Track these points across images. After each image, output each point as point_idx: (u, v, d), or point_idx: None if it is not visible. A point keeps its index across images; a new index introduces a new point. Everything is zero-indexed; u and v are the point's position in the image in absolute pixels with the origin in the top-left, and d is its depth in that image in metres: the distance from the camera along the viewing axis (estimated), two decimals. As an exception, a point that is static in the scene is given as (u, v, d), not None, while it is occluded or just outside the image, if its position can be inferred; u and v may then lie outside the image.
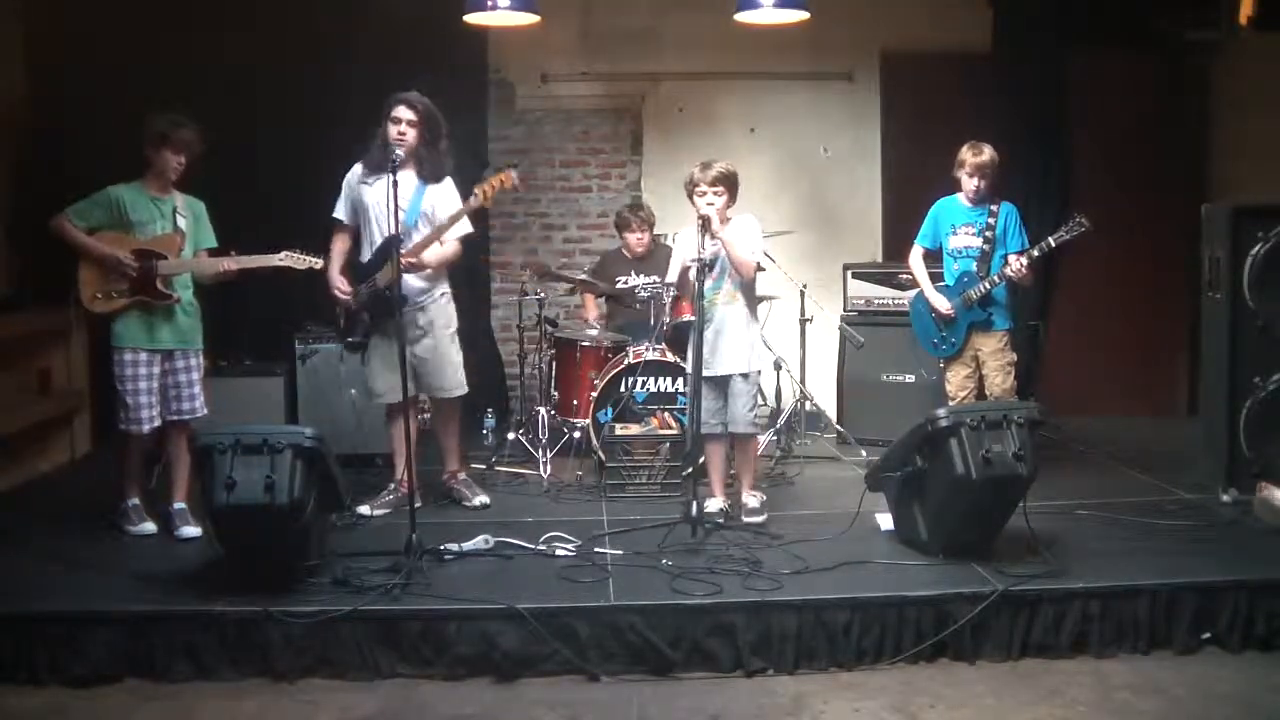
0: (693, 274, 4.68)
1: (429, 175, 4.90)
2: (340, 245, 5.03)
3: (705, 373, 4.79)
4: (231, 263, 4.69)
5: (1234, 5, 5.61)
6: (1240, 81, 6.86)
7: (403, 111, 4.81)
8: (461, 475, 5.22)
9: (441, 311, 5.01)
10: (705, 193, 4.70)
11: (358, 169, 4.97)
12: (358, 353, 5.08)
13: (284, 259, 4.69)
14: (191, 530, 4.65)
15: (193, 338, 4.79)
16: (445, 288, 5.06)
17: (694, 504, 4.48)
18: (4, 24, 6.18)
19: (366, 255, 4.97)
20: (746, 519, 4.83)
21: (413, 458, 4.65)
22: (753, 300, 4.91)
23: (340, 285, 4.96)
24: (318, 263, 4.76)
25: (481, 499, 5.12)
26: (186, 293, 4.75)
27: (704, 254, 4.64)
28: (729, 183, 4.74)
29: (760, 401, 5.20)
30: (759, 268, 4.86)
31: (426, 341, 4.96)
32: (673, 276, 5.09)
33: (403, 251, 4.65)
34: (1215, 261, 5.13)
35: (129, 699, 3.69)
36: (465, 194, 4.92)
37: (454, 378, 5.05)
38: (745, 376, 4.82)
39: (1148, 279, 7.16)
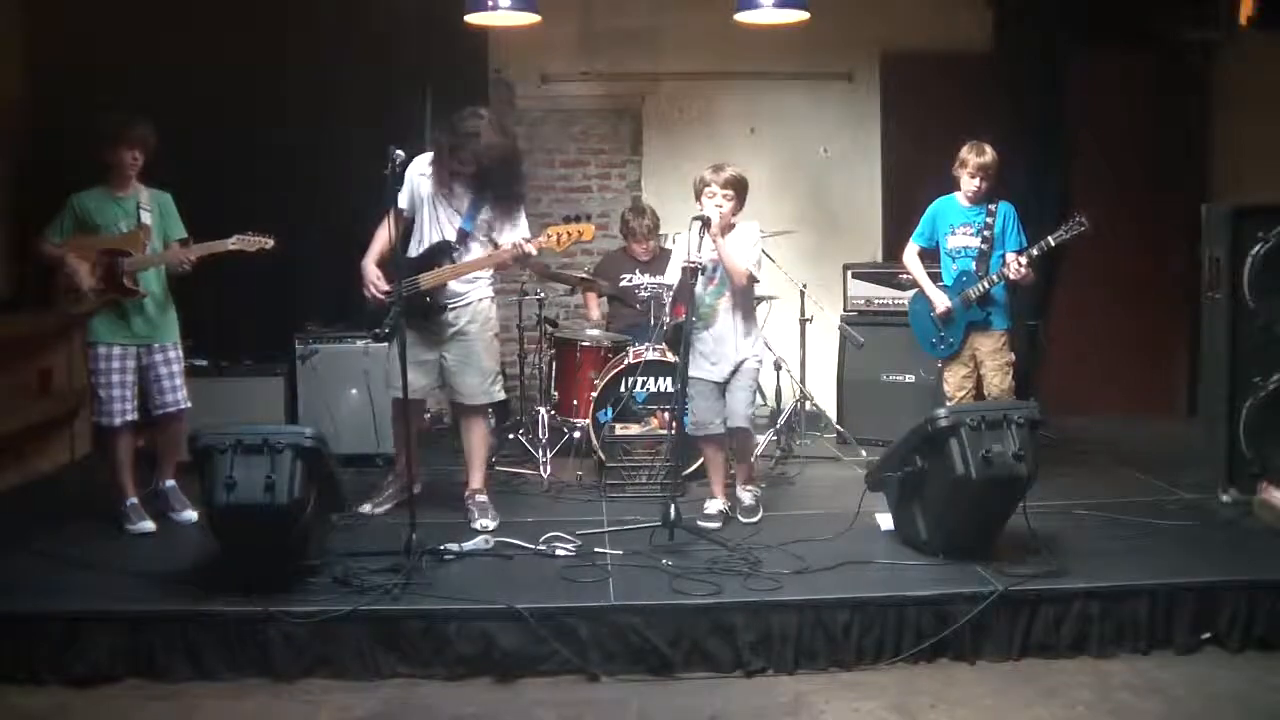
0: (678, 279, 4.67)
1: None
2: (385, 234, 4.70)
3: (708, 376, 4.78)
4: (188, 253, 4.72)
5: (1234, 5, 5.61)
6: (1240, 81, 6.85)
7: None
8: (480, 497, 4.86)
9: (480, 313, 4.84)
10: (715, 194, 4.67)
11: (421, 160, 4.78)
12: (384, 341, 4.78)
13: (235, 243, 4.68)
14: (190, 514, 4.74)
15: (167, 330, 4.82)
16: (487, 290, 4.90)
17: (672, 507, 4.40)
18: (4, 24, 6.17)
19: (419, 248, 4.78)
20: (742, 517, 4.84)
21: (414, 451, 4.61)
22: (750, 305, 4.88)
23: (376, 282, 4.75)
24: (268, 243, 4.69)
25: (484, 522, 4.72)
26: (156, 286, 4.78)
27: (700, 258, 4.63)
28: (739, 187, 4.71)
29: (761, 401, 5.18)
30: (753, 278, 4.77)
31: (460, 343, 4.79)
32: (671, 278, 5.06)
33: (455, 261, 4.67)
34: (1215, 261, 5.13)
35: (129, 699, 3.69)
36: None
37: (480, 385, 4.82)
38: (741, 370, 4.79)
39: (1148, 279, 7.15)
